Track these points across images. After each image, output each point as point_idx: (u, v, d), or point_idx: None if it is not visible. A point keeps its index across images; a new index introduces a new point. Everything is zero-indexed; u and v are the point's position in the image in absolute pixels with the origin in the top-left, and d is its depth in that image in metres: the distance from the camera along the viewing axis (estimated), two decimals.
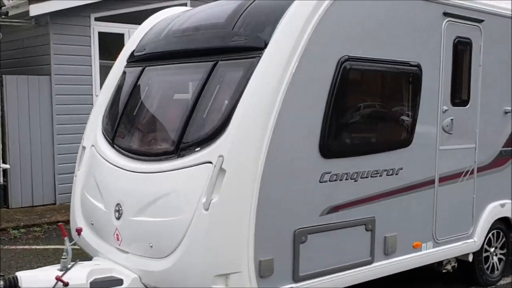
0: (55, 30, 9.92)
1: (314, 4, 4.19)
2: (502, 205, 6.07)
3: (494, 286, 6.18)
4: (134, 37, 5.75)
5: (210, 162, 3.97)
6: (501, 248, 6.30)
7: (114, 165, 4.84)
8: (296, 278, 4.25)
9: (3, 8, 9.45)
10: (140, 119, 5.02)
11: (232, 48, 4.37)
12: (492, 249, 6.16)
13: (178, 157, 4.25)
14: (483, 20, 5.58)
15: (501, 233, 6.24)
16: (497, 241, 6.20)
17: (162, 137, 4.68)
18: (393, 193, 4.93)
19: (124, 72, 5.53)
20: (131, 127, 5.04)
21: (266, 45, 4.13)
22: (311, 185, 4.30)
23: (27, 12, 9.60)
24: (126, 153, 4.82)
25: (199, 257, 3.92)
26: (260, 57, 4.08)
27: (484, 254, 6.06)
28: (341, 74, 4.35)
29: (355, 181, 4.60)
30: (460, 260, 5.92)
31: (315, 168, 4.31)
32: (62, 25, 10.00)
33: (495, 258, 6.22)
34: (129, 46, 5.70)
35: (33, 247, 7.58)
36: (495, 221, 6.05)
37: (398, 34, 4.84)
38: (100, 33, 10.30)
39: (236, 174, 3.88)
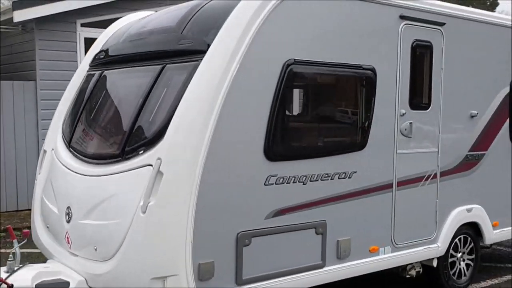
0: (40, 36, 10.01)
1: (257, 6, 4.19)
2: (469, 210, 6.00)
3: None
4: (98, 41, 5.79)
5: (151, 165, 3.98)
6: (470, 254, 6.21)
7: (68, 168, 4.87)
8: (239, 281, 4.24)
9: None
10: (94, 123, 5.04)
11: (179, 52, 4.39)
12: (459, 255, 6.09)
13: (123, 160, 4.27)
14: (444, 23, 5.54)
15: (469, 239, 6.16)
16: (464, 246, 6.13)
17: (111, 141, 4.70)
18: (346, 197, 4.89)
19: (86, 76, 5.56)
20: (85, 131, 5.07)
21: (208, 48, 4.13)
22: (256, 188, 4.29)
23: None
24: (80, 156, 4.84)
25: (136, 260, 3.92)
26: (201, 60, 4.08)
27: (450, 260, 6.00)
28: (286, 77, 4.34)
29: (303, 184, 4.58)
30: (425, 265, 5.85)
31: (260, 171, 4.30)
32: (48, 31, 10.08)
33: (463, 264, 6.15)
34: (93, 50, 5.74)
35: (8, 250, 7.60)
36: (462, 226, 5.99)
37: (350, 37, 4.82)
38: (86, 39, 10.37)
39: (174, 177, 3.88)
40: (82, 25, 10.40)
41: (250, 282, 4.30)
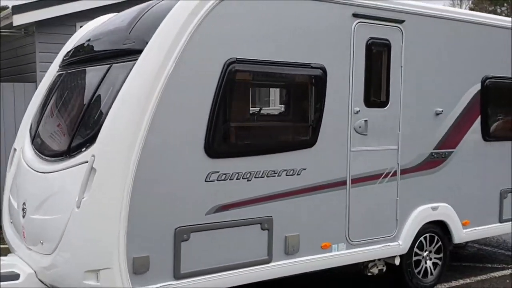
0: (40, 39, 10.30)
1: (193, 6, 4.28)
2: (434, 208, 5.98)
3: None
4: (68, 42, 5.98)
5: (87, 162, 4.12)
6: (437, 253, 6.18)
7: (28, 166, 5.06)
8: (177, 276, 4.34)
9: None
10: (51, 121, 5.22)
11: (124, 51, 4.52)
12: (425, 253, 6.06)
13: (68, 158, 4.42)
14: (403, 21, 5.54)
15: (436, 237, 6.13)
16: (430, 245, 6.10)
17: (62, 139, 4.86)
18: (295, 193, 4.95)
19: (55, 76, 5.75)
20: (44, 129, 5.26)
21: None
22: (195, 184, 4.39)
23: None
24: (39, 154, 5.03)
25: (72, 254, 4.07)
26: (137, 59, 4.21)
27: (415, 258, 5.97)
28: (227, 76, 4.43)
29: (248, 180, 4.66)
30: (389, 263, 5.86)
31: (200, 168, 4.40)
32: (48, 34, 10.36)
33: (429, 263, 6.13)
34: (63, 51, 5.92)
35: None
36: (426, 224, 5.97)
37: (297, 36, 4.88)
38: None
39: (106, 173, 4.02)
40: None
41: (189, 276, 4.40)
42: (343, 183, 5.28)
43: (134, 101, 4.08)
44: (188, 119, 4.32)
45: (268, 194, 4.80)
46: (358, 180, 5.37)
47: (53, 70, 5.90)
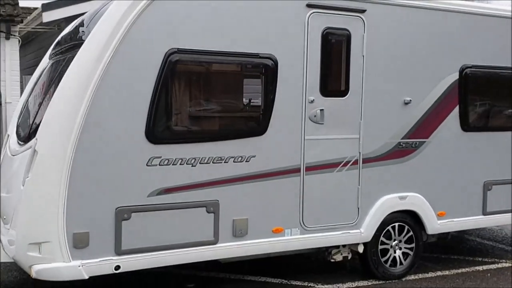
0: None
1: (131, 1, 4.57)
2: (402, 198, 6.00)
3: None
4: (61, 34, 6.44)
5: None
6: (409, 243, 6.19)
7: (9, 149, 5.56)
8: (118, 252, 4.68)
9: (19, 16, 10.67)
10: (28, 109, 5.70)
11: (78, 44, 4.89)
12: (393, 243, 6.09)
13: (26, 142, 4.87)
14: (364, 10, 5.60)
15: (406, 227, 6.14)
16: (400, 234, 6.12)
17: (28, 125, 5.31)
18: (243, 179, 5.16)
19: (44, 65, 6.22)
20: (23, 116, 5.75)
21: None
22: (136, 168, 4.70)
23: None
24: (17, 138, 5.52)
25: (19, 228, 4.50)
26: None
27: (381, 247, 6.02)
28: (167, 66, 4.70)
29: (192, 166, 4.92)
30: (355, 251, 5.95)
31: (141, 153, 4.70)
32: None
33: (399, 252, 6.15)
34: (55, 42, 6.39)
35: None
36: (395, 214, 6.00)
37: (246, 27, 5.07)
38: None
39: (46, 155, 4.42)
40: None
41: (130, 253, 4.72)
42: (297, 170, 5.43)
43: (72, 90, 4.44)
44: (128, 107, 4.63)
45: (214, 179, 5.03)
46: (313, 168, 5.50)
47: (45, 59, 6.36)
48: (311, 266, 6.48)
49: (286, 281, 6.01)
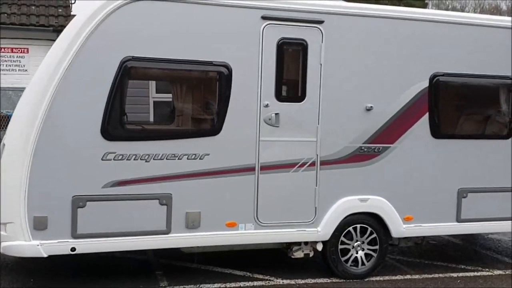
0: None
1: (93, 11, 5.23)
2: (363, 200, 6.24)
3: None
4: None
5: None
6: (372, 244, 6.40)
7: None
8: (74, 235, 5.32)
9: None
10: None
11: None
12: (355, 243, 6.33)
13: None
14: (322, 21, 5.93)
15: (370, 229, 6.36)
16: (362, 236, 6.35)
17: None
18: (197, 175, 5.65)
19: None
20: None
21: None
22: (92, 162, 5.33)
23: None
24: None
25: None
26: None
27: (341, 246, 6.28)
28: (122, 72, 5.31)
29: (146, 161, 5.49)
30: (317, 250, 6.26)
31: (97, 148, 5.33)
32: None
33: (361, 253, 6.37)
34: None
35: None
36: (356, 215, 6.24)
37: (201, 37, 5.57)
38: None
39: (11, 147, 5.16)
40: None
41: (85, 237, 5.35)
42: (252, 169, 5.84)
43: (35, 88, 5.16)
44: (86, 107, 5.27)
45: (167, 174, 5.56)
46: (268, 167, 5.88)
47: None
48: (280, 262, 6.81)
49: (250, 274, 6.42)
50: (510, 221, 6.85)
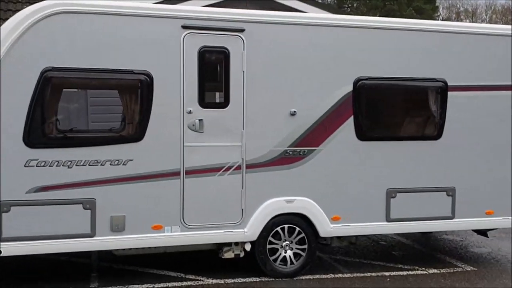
0: None
1: (15, 23, 5.47)
2: (289, 201, 6.44)
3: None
4: None
5: None
6: (301, 244, 6.60)
7: None
8: (0, 239, 5.54)
9: None
10: None
11: None
12: (284, 243, 6.53)
13: None
14: (243, 30, 6.15)
15: (297, 229, 6.56)
16: (291, 236, 6.54)
17: None
18: (121, 180, 5.86)
19: None
20: None
21: None
22: (15, 168, 5.55)
23: None
24: None
25: None
26: None
27: (270, 246, 6.48)
28: (43, 81, 5.54)
29: (69, 168, 5.71)
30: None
31: (19, 156, 5.55)
32: None
33: (290, 252, 6.57)
34: None
35: None
36: (283, 216, 6.44)
37: (121, 47, 5.79)
38: None
39: None
40: None
41: (10, 240, 5.57)
42: (177, 173, 6.05)
43: None
44: (8, 114, 5.49)
45: (90, 180, 5.78)
46: (194, 172, 6.10)
47: None
48: (218, 262, 6.99)
49: (184, 275, 6.62)
50: (439, 220, 7.02)
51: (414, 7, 41.86)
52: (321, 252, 7.78)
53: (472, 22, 45.18)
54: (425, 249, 8.37)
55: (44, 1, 5.64)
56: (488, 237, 7.95)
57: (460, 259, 7.78)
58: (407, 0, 41.63)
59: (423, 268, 7.25)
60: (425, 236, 8.96)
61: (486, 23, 43.97)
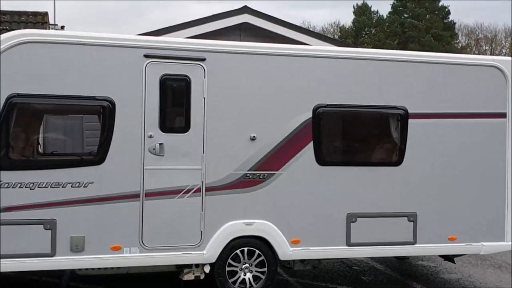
0: None
1: None
2: (248, 224, 6.62)
3: None
4: None
5: None
6: (260, 267, 6.76)
7: None
8: None
9: None
10: None
11: None
12: (243, 265, 6.69)
13: None
14: (204, 59, 6.43)
15: (257, 252, 6.72)
16: (250, 258, 6.71)
17: None
18: (81, 202, 6.09)
19: None
20: None
21: None
22: None
23: None
24: None
25: None
26: None
27: (229, 268, 6.64)
28: (7, 107, 5.83)
29: (31, 189, 5.95)
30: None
31: None
32: None
33: (249, 275, 6.72)
34: None
35: None
36: (242, 239, 6.62)
37: (84, 74, 6.08)
38: None
39: None
40: None
41: None
42: (137, 196, 6.27)
43: None
44: None
45: (51, 201, 6.02)
46: (153, 194, 6.31)
47: None
48: (180, 283, 7.16)
49: None
50: (401, 246, 7.14)
51: (433, 33, 42.39)
52: (290, 276, 7.93)
53: (492, 48, 45.35)
54: (395, 274, 8.47)
55: (11, 32, 5.95)
56: (454, 263, 8.05)
57: (427, 285, 7.88)
58: (426, 26, 42.31)
59: None
60: (400, 261, 9.06)
61: (506, 49, 44.15)
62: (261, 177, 6.65)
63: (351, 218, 6.94)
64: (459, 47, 45.22)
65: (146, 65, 6.26)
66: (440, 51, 40.84)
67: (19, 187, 5.92)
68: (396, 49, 41.56)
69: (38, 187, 5.98)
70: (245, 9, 12.53)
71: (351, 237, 6.96)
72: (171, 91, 6.39)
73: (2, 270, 5.96)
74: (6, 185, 5.88)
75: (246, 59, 6.59)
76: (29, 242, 5.98)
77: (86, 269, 6.40)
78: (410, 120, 7.13)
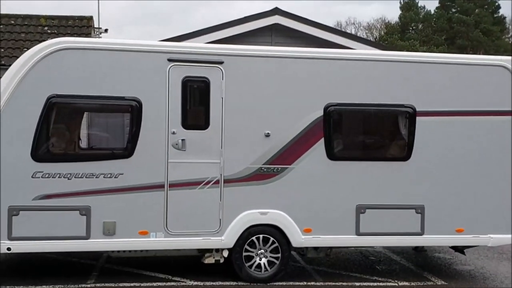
0: None
1: (26, 58, 6.62)
2: (263, 214, 7.25)
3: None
4: None
5: None
6: (275, 252, 7.38)
7: None
8: (10, 237, 6.63)
9: None
10: None
11: None
12: (259, 251, 7.32)
13: None
14: (222, 62, 7.09)
15: (272, 239, 7.34)
16: (265, 245, 7.33)
17: None
18: (112, 191, 6.85)
19: None
20: None
21: None
22: (24, 179, 6.64)
23: None
24: None
25: None
26: None
27: (246, 253, 7.29)
28: (47, 107, 6.65)
29: (68, 179, 6.76)
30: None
31: (27, 168, 6.64)
32: None
33: (264, 260, 7.35)
34: None
35: None
36: (258, 227, 7.25)
37: (115, 77, 6.84)
38: None
39: None
40: None
41: (18, 239, 6.64)
42: (161, 186, 6.99)
43: None
44: (20, 135, 6.61)
45: (86, 190, 6.80)
46: (176, 185, 7.02)
47: None
48: (203, 267, 7.83)
49: (170, 276, 7.51)
50: (408, 236, 7.60)
51: (482, 29, 41.73)
52: (308, 263, 8.50)
53: None
54: (409, 265, 8.88)
55: (51, 40, 6.77)
56: (465, 254, 8.43)
57: (438, 275, 8.26)
58: (475, 21, 41.62)
59: (395, 281, 7.81)
60: (417, 253, 9.46)
61: None
62: (275, 170, 7.25)
63: (360, 209, 7.45)
64: (511, 42, 44.22)
65: (170, 68, 6.96)
66: (489, 47, 40.44)
67: (58, 177, 6.73)
68: (444, 44, 41.23)
69: (74, 177, 6.77)
70: (276, 11, 13.08)
71: (360, 227, 7.46)
72: (192, 91, 7.06)
73: (43, 250, 6.78)
74: (47, 175, 6.70)
75: (261, 62, 7.19)
76: (67, 226, 6.78)
77: (118, 251, 7.15)
78: (418, 118, 7.56)
